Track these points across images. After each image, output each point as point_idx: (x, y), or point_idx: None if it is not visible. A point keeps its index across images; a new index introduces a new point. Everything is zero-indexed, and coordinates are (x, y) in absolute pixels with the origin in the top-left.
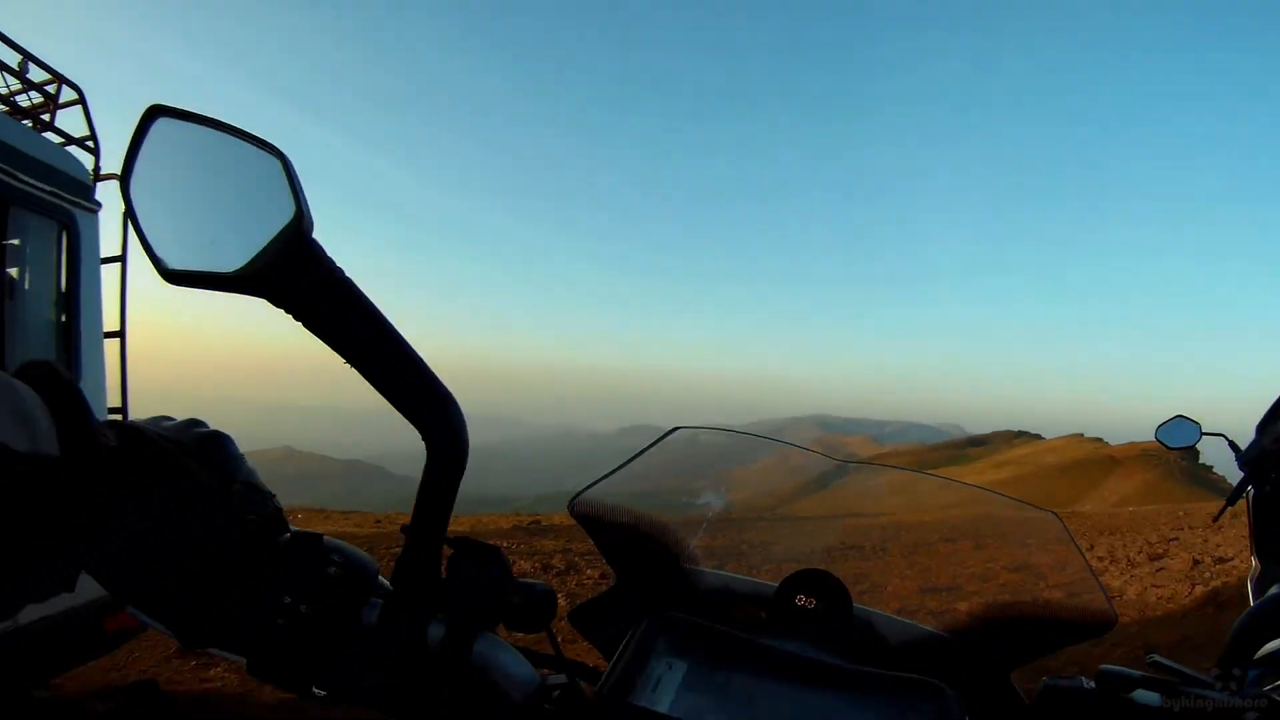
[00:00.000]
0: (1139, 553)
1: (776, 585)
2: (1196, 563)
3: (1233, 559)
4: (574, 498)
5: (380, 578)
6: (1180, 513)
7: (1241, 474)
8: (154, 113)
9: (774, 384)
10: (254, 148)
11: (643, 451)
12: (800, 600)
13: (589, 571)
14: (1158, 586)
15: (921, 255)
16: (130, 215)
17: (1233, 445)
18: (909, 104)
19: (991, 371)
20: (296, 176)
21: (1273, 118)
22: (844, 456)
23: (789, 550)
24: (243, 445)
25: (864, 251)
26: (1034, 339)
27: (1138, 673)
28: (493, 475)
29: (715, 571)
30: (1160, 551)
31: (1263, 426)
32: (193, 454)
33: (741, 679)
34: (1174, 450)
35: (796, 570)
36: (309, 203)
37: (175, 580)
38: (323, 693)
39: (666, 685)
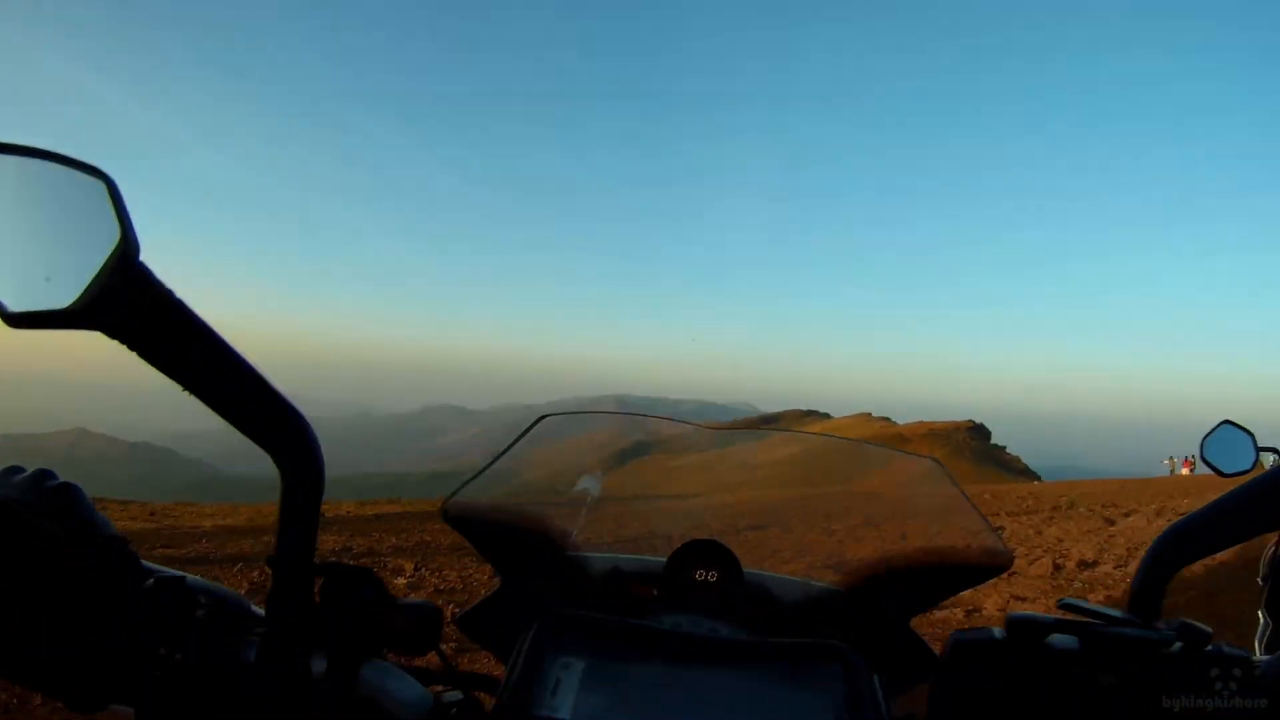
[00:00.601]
0: None
1: (665, 560)
2: (1058, 568)
3: (1096, 563)
4: (446, 500)
5: (254, 609)
6: (987, 495)
7: None
8: None
9: (575, 362)
10: (78, 173)
11: (512, 445)
12: (698, 575)
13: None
14: (1021, 599)
15: (718, 244)
16: None
17: None
18: (708, 102)
19: (779, 353)
20: (122, 198)
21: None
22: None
23: (677, 525)
24: (37, 427)
25: (665, 238)
26: (820, 324)
27: (1049, 617)
28: None
29: (602, 555)
30: None
31: None
32: (45, 513)
33: (640, 669)
34: (1228, 478)
35: (683, 543)
36: (135, 224)
37: (46, 647)
38: None
39: (566, 687)
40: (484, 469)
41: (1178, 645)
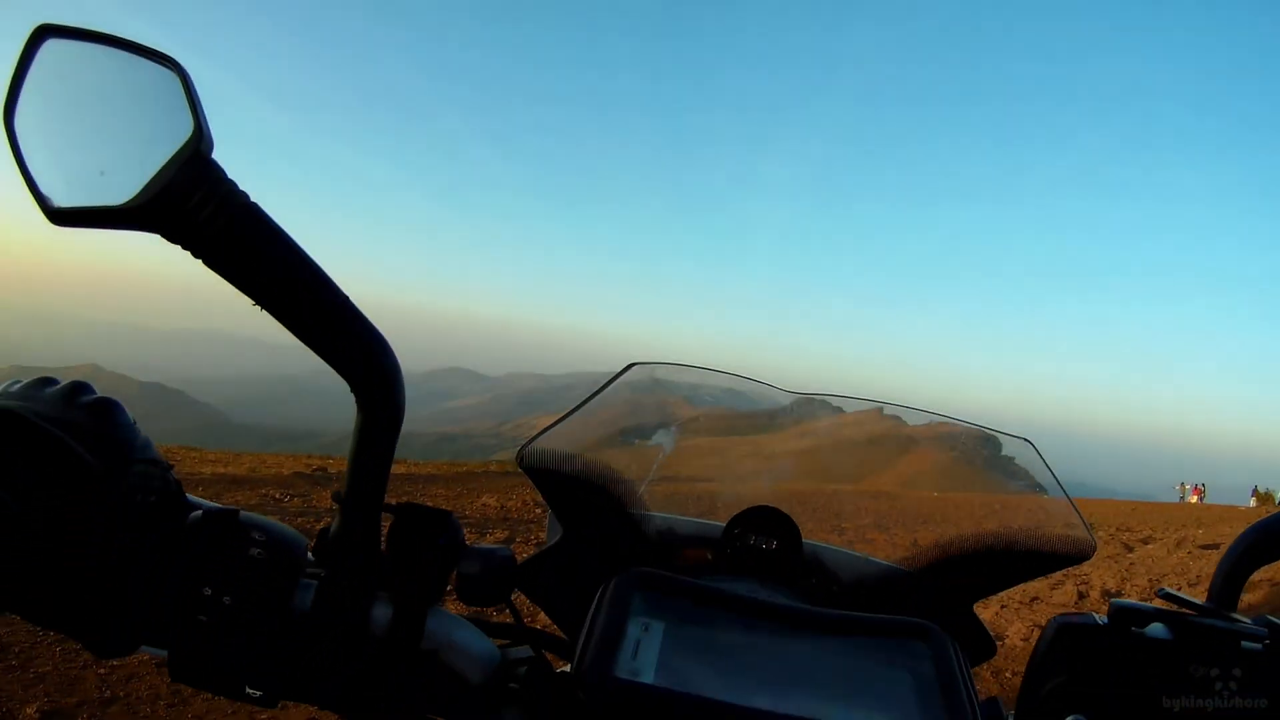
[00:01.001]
0: None
1: (722, 526)
2: (1082, 596)
3: (1120, 594)
4: (523, 448)
5: (309, 554)
6: (997, 505)
7: None
8: (42, 33)
9: (588, 338)
10: (149, 62)
11: (597, 392)
12: (756, 542)
13: None
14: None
15: (753, 233)
16: (13, 150)
17: None
18: (739, 97)
19: (801, 343)
20: (195, 90)
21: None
22: (667, 415)
23: (739, 490)
24: (49, 360)
25: (688, 226)
26: (845, 317)
27: (1150, 606)
28: (298, 407)
29: (663, 515)
30: None
31: None
32: (80, 434)
33: (723, 634)
34: None
35: (743, 509)
36: (209, 120)
37: (73, 584)
38: (258, 693)
39: (646, 650)
40: (566, 416)
41: (1264, 643)
